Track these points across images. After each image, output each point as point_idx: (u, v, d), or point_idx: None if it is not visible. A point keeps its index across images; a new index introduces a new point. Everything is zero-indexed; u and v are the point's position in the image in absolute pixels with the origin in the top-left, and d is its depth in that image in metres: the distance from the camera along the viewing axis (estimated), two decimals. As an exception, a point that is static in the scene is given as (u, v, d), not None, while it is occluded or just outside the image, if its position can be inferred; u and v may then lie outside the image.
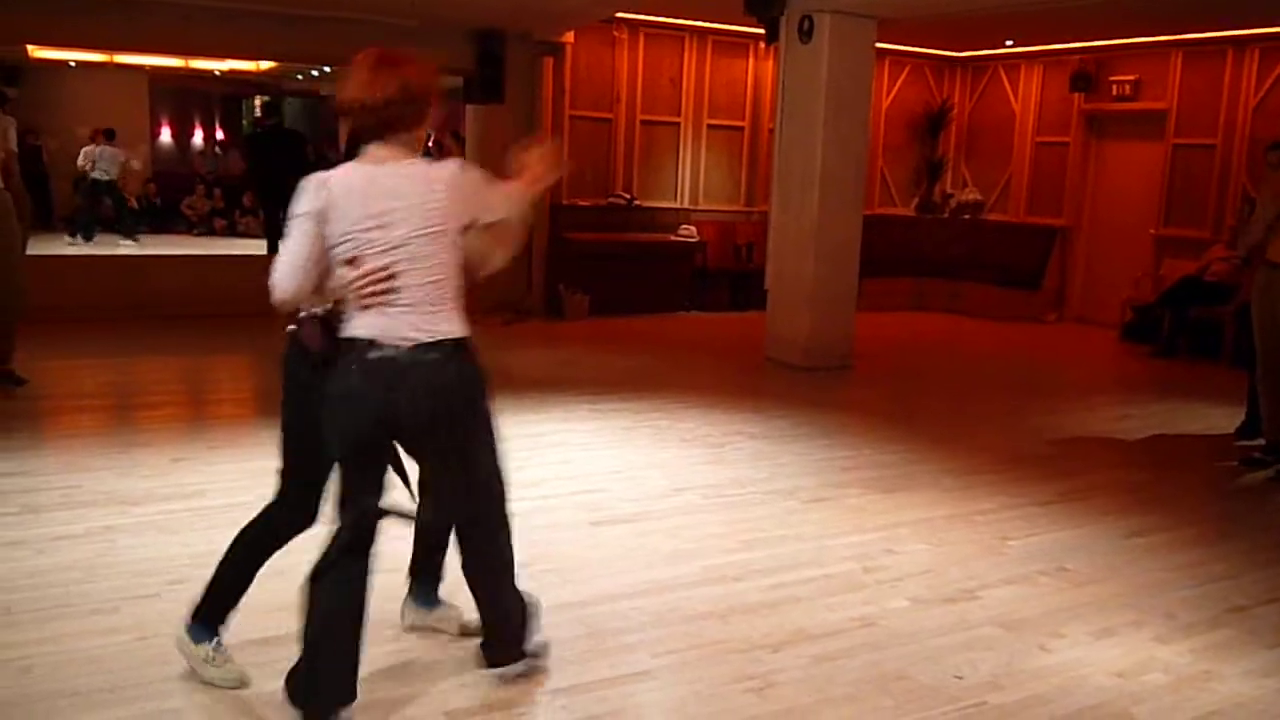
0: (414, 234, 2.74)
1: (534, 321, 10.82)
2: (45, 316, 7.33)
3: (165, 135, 19.29)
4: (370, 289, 2.74)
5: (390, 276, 2.74)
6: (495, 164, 3.11)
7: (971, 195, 13.18)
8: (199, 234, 16.65)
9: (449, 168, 2.83)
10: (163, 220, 16.85)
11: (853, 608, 3.93)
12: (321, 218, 2.74)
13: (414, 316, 2.78)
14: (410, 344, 2.77)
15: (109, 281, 10.03)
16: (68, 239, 14.58)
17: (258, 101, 18.72)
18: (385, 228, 2.73)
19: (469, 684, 3.19)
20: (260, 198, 13.36)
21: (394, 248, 2.74)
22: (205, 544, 4.19)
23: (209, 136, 20.37)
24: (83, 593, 3.75)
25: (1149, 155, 11.40)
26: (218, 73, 17.43)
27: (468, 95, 10.89)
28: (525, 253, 11.43)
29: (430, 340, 2.79)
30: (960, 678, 3.39)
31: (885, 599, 4.03)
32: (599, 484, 5.30)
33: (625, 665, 3.39)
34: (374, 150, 2.81)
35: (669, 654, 3.48)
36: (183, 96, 19.53)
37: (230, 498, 4.76)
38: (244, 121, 19.76)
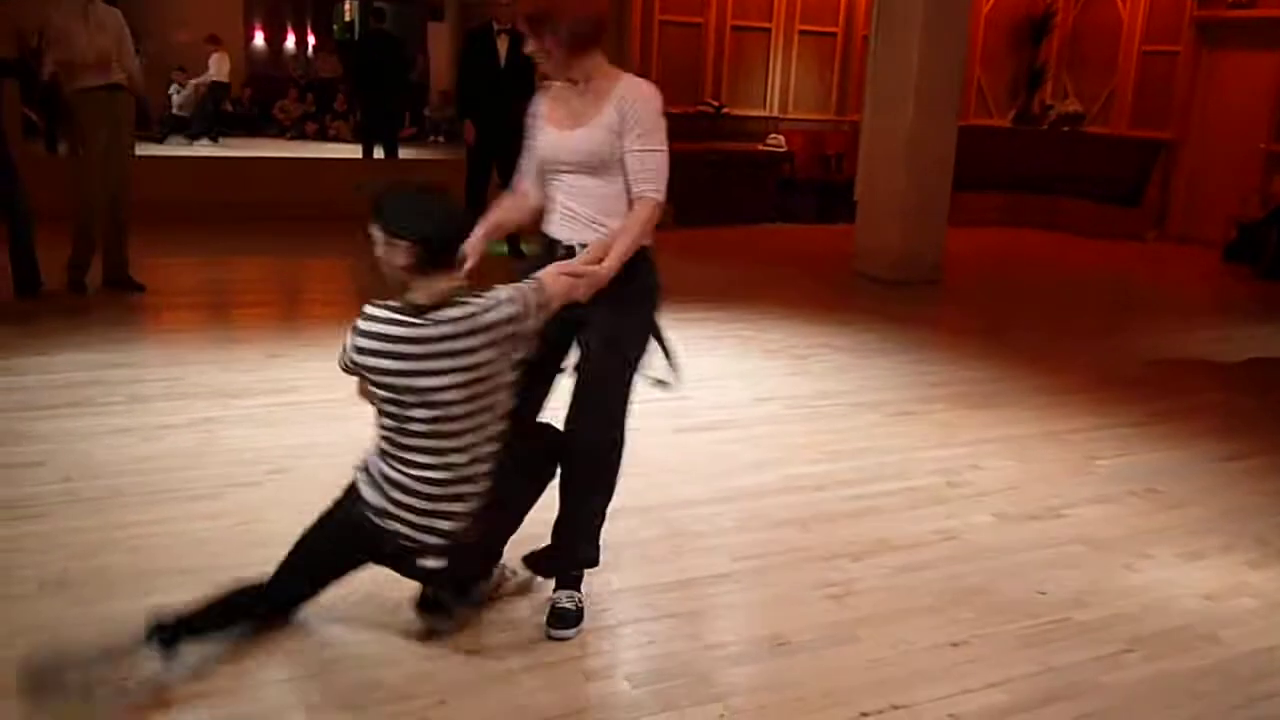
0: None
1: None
2: (147, 216, 7.51)
3: (259, 39, 19.45)
4: None
5: None
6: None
7: (1072, 106, 12.70)
8: (291, 138, 16.87)
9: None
10: (256, 124, 17.13)
11: (936, 521, 3.93)
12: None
13: None
14: None
15: (206, 182, 10.24)
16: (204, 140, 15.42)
17: (347, 6, 18.75)
18: None
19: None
20: (362, 98, 13.32)
21: None
22: (300, 437, 4.35)
23: (301, 40, 20.49)
24: (187, 479, 3.90)
25: (1264, 66, 10.83)
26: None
27: None
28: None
29: None
30: (1044, 594, 3.38)
31: (969, 513, 4.02)
32: (683, 391, 5.30)
33: (706, 568, 3.45)
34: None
35: (749, 558, 3.53)
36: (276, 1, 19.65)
37: (323, 394, 4.88)
38: (334, 26, 19.80)
